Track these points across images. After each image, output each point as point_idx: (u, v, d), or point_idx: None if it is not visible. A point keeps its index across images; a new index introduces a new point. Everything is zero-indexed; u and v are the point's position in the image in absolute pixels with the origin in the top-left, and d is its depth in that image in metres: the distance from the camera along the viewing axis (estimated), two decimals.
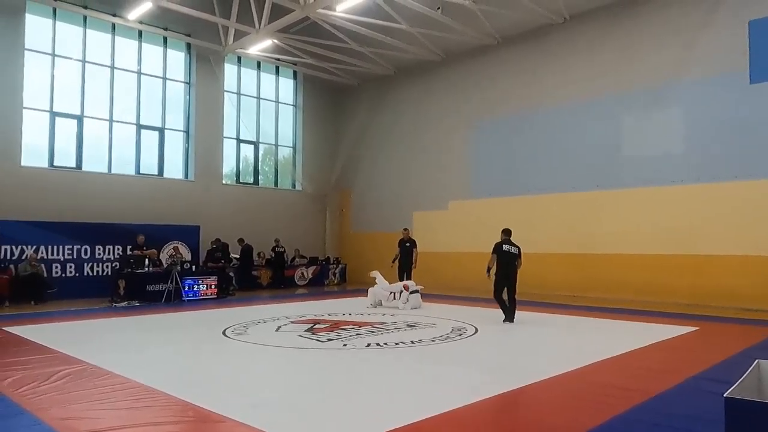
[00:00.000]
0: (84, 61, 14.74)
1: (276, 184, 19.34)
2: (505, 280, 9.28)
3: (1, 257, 12.31)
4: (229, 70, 17.74)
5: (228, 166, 17.85)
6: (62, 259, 13.31)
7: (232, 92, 17.91)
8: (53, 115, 14.20)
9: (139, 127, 15.78)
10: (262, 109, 18.77)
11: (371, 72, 18.61)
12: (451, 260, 16.21)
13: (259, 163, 18.86)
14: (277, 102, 19.20)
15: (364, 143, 19.78)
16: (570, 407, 4.61)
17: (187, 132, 16.80)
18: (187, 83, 16.84)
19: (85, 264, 13.67)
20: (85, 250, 13.69)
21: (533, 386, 5.22)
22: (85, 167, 14.66)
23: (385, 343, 7.38)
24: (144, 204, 15.13)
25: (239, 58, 17.87)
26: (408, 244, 13.44)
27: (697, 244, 12.03)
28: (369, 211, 19.44)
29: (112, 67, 15.27)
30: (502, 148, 15.73)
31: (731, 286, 11.39)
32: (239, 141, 18.10)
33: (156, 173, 16.10)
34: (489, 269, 9.32)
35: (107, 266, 13.91)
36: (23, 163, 13.54)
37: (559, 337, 8.33)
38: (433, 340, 7.65)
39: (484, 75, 16.32)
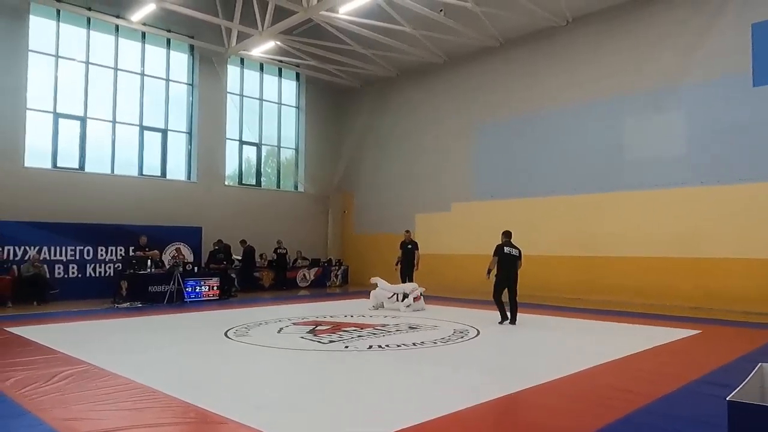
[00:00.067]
0: (87, 63, 14.78)
1: (278, 185, 19.37)
2: (506, 282, 9.30)
3: (4, 258, 12.34)
4: (232, 71, 17.78)
5: (230, 167, 17.87)
6: (65, 259, 13.34)
7: (235, 94, 17.94)
8: (56, 116, 14.24)
9: (142, 128, 15.82)
10: (265, 110, 18.80)
11: (374, 74, 18.63)
12: (453, 262, 16.20)
13: (262, 165, 18.88)
14: (279, 104, 19.23)
15: (366, 145, 19.79)
16: (572, 410, 4.59)
17: (189, 133, 16.83)
18: (190, 85, 16.88)
19: (88, 265, 13.70)
20: (88, 251, 13.72)
21: (535, 389, 5.20)
22: (88, 168, 14.70)
23: (387, 345, 7.37)
24: (146, 205, 15.16)
25: (242, 60, 17.91)
26: (410, 246, 13.43)
27: (700, 246, 12.00)
28: (371, 212, 19.44)
29: (116, 69, 15.32)
30: (504, 150, 15.73)
31: (734, 289, 11.36)
32: (242, 142, 18.13)
33: (159, 174, 16.13)
34: (489, 271, 9.33)
35: (110, 267, 13.94)
36: (26, 164, 13.58)
37: (561, 339, 8.31)
38: (435, 343, 7.65)
39: (486, 77, 16.33)
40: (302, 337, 7.98)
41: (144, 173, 15.78)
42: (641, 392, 5.01)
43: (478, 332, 8.55)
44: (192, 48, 16.72)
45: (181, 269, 13.11)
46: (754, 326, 9.38)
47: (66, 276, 13.30)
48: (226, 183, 17.58)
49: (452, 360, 6.70)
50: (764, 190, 11.22)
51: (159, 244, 14.13)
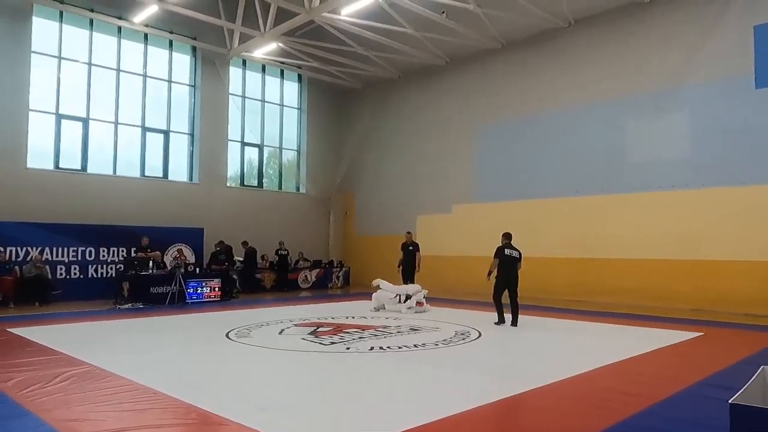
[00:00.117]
0: (90, 64, 14.81)
1: (280, 187, 19.38)
2: (506, 284, 9.31)
3: (6, 258, 12.36)
4: (234, 73, 17.80)
5: (232, 168, 17.89)
6: (67, 260, 13.36)
7: (237, 95, 17.96)
8: (59, 117, 14.27)
9: (144, 129, 15.84)
10: (267, 112, 18.82)
11: (376, 76, 18.65)
12: (455, 264, 16.19)
13: (264, 166, 18.89)
14: (281, 105, 19.25)
15: (368, 146, 19.80)
16: (574, 412, 4.59)
17: (192, 135, 16.86)
18: (192, 86, 16.91)
19: (90, 266, 13.72)
20: (90, 251, 13.74)
21: (537, 391, 5.20)
22: (90, 169, 14.72)
23: (389, 347, 7.37)
24: (148, 206, 15.18)
25: (244, 62, 17.93)
26: (411, 248, 13.43)
27: (702, 248, 11.98)
28: (373, 214, 19.45)
29: (118, 70, 15.35)
30: (506, 152, 15.72)
31: (737, 292, 11.34)
32: (244, 144, 18.15)
33: (161, 176, 16.15)
34: (490, 273, 9.33)
35: (111, 268, 13.96)
36: (29, 164, 13.60)
37: (562, 341, 8.30)
38: (437, 344, 7.65)
39: (488, 79, 16.33)
40: (303, 339, 7.99)
41: (146, 174, 15.80)
42: (642, 395, 5.00)
43: (480, 334, 8.54)
44: (194, 49, 16.75)
45: (182, 270, 13.12)
46: (756, 329, 9.35)
47: (68, 277, 13.32)
48: (228, 184, 17.59)
49: (453, 362, 6.69)
50: (766, 192, 11.21)
51: (161, 245, 14.15)
